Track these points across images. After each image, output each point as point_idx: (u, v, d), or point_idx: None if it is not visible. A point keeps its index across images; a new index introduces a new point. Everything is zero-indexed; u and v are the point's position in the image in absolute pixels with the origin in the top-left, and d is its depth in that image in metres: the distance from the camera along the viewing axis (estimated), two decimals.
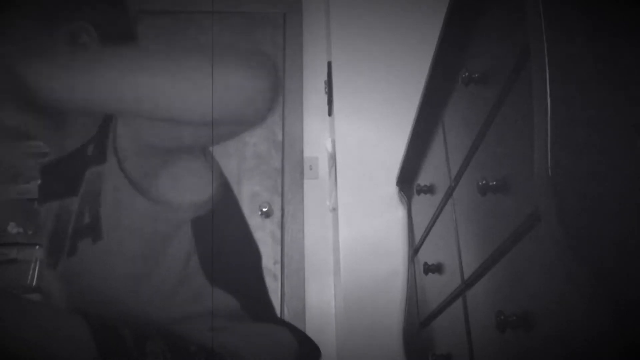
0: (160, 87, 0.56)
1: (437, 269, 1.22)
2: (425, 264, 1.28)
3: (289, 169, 2.29)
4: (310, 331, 1.96)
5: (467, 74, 0.91)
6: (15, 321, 0.54)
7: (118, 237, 0.71)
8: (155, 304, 0.73)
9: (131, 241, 0.72)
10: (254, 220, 2.22)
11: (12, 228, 1.91)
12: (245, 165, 2.33)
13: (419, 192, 1.40)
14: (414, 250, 1.57)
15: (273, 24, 2.62)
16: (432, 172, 1.35)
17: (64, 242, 0.75)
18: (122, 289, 0.72)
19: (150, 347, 0.66)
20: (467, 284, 0.97)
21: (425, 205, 1.41)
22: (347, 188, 1.84)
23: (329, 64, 2.12)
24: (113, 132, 0.74)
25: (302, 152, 2.31)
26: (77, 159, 0.78)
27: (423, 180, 1.45)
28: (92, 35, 0.75)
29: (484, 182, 0.79)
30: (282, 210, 2.26)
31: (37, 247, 1.83)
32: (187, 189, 0.75)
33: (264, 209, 2.22)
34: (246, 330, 0.78)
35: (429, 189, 1.34)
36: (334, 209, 1.95)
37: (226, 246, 0.81)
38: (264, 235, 2.22)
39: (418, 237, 1.51)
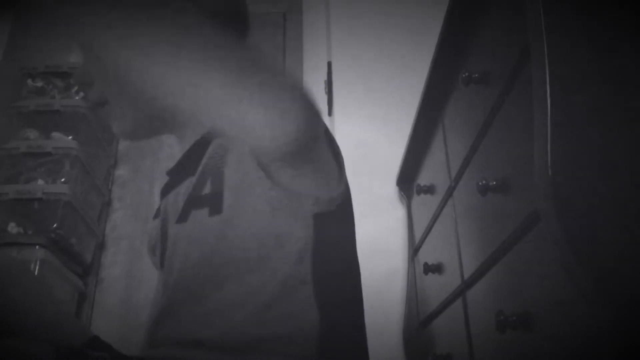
0: None
1: (437, 269, 1.22)
2: (425, 264, 1.28)
3: None
4: None
5: (467, 74, 0.91)
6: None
7: (238, 215, 0.64)
8: (247, 308, 0.63)
9: (250, 224, 0.64)
10: None
11: (12, 228, 1.91)
12: None
13: (419, 192, 1.40)
14: (414, 250, 1.57)
15: (273, 24, 2.62)
16: (432, 172, 1.35)
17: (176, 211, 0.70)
18: (222, 274, 0.64)
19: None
20: (467, 284, 0.97)
21: (425, 205, 1.41)
22: None
23: (329, 64, 2.12)
24: None
25: None
26: (200, 144, 0.74)
27: (423, 180, 1.45)
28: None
29: (484, 182, 0.79)
30: None
31: (37, 247, 1.83)
32: (315, 181, 0.67)
33: None
34: None
35: (429, 189, 1.34)
36: None
37: (339, 259, 0.74)
38: None
39: (418, 237, 1.51)
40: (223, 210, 0.65)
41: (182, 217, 0.68)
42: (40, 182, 2.01)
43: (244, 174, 0.65)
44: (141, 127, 0.78)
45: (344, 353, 0.67)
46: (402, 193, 1.76)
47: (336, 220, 0.70)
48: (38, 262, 1.80)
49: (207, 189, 0.67)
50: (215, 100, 0.52)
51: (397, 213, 1.79)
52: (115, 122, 0.77)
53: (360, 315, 0.78)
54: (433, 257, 1.29)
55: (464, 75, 0.91)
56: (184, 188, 0.73)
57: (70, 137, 2.13)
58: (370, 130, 1.91)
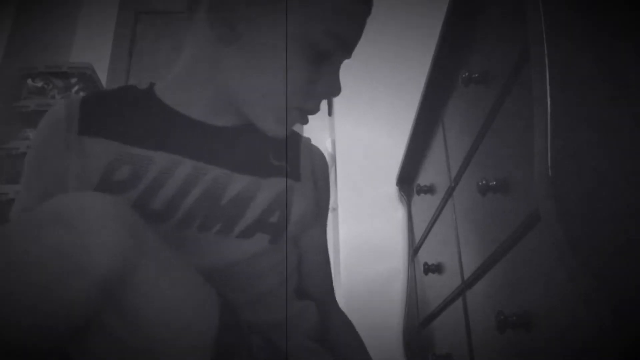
0: None
1: (437, 269, 1.22)
2: (425, 264, 1.28)
3: None
4: None
5: (467, 74, 0.91)
6: (151, 270, 0.47)
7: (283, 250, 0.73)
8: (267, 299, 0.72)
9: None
10: None
11: None
12: None
13: (419, 192, 1.40)
14: (414, 250, 1.57)
15: None
16: (432, 172, 1.35)
17: (233, 217, 0.69)
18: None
19: (255, 340, 0.64)
20: (467, 284, 0.97)
21: (425, 205, 1.41)
22: (347, 188, 1.84)
23: None
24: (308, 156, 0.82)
25: None
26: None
27: (423, 180, 1.45)
28: None
29: (484, 182, 0.79)
30: None
31: None
32: None
33: None
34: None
35: (429, 189, 1.34)
36: (334, 209, 1.95)
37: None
38: None
39: (418, 237, 1.51)
40: (279, 243, 0.71)
41: (247, 234, 0.68)
42: None
43: (302, 217, 0.73)
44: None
45: None
46: (402, 193, 1.76)
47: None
48: None
49: (274, 218, 0.70)
50: None
51: (397, 213, 1.79)
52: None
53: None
54: (433, 257, 1.29)
55: (464, 75, 0.91)
56: (241, 187, 0.70)
57: None
58: (370, 130, 1.91)
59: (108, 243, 0.43)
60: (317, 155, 0.86)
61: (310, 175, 0.80)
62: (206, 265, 0.64)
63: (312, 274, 0.82)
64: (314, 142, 0.92)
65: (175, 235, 0.64)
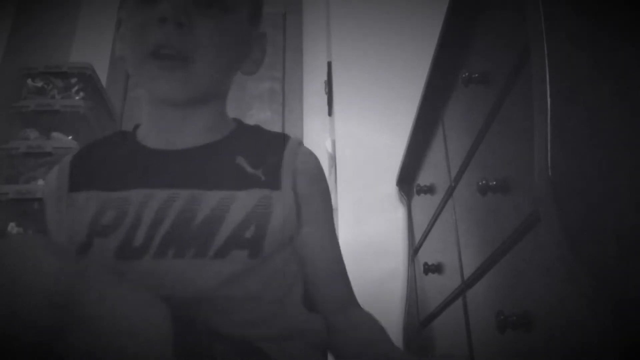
0: None
1: (437, 269, 1.22)
2: (425, 264, 1.28)
3: None
4: None
5: (467, 74, 0.91)
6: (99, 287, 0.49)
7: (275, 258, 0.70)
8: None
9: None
10: None
11: (12, 228, 1.91)
12: None
13: (419, 192, 1.40)
14: (414, 250, 1.57)
15: (273, 24, 2.62)
16: (432, 172, 1.35)
17: (205, 238, 0.68)
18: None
19: (220, 348, 0.60)
20: (467, 284, 0.97)
21: (425, 205, 1.41)
22: (347, 188, 1.84)
23: (329, 64, 2.12)
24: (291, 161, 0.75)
25: None
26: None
27: (423, 180, 1.45)
28: (265, 46, 0.81)
29: (484, 182, 0.79)
30: None
31: None
32: None
33: None
34: None
35: (429, 189, 1.34)
36: (334, 209, 1.95)
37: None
38: None
39: (418, 237, 1.51)
40: (263, 253, 0.67)
41: (221, 253, 0.66)
42: (40, 182, 2.01)
43: (283, 228, 0.70)
44: (195, 100, 0.73)
45: None
46: (402, 193, 1.76)
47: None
48: None
49: (249, 233, 0.67)
50: None
51: (397, 213, 1.79)
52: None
53: None
54: (433, 257, 1.29)
55: (464, 75, 0.91)
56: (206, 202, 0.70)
57: (70, 137, 2.13)
58: (370, 130, 1.91)
59: (50, 268, 0.46)
60: (303, 157, 0.78)
61: (290, 181, 0.74)
62: (188, 295, 0.64)
63: (320, 281, 0.78)
64: (313, 142, 0.91)
65: (152, 268, 0.65)
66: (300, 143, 0.80)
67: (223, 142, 0.75)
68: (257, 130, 0.82)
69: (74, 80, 2.20)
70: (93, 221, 0.68)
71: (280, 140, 0.79)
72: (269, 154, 0.75)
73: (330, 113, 2.12)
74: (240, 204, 0.68)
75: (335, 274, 0.79)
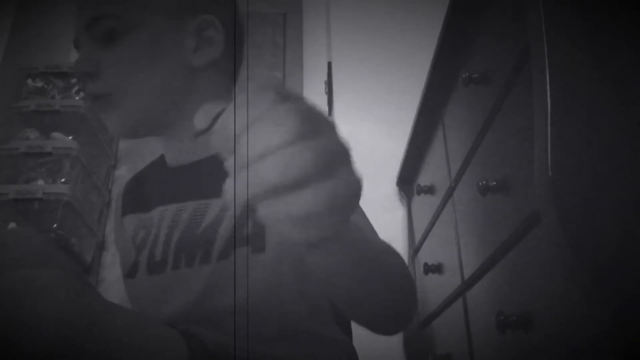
0: None
1: (437, 269, 1.22)
2: (425, 264, 1.28)
3: None
4: None
5: (467, 74, 0.91)
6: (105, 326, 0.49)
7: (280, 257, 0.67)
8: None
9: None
10: None
11: (12, 228, 1.91)
12: None
13: (419, 192, 1.40)
14: (414, 250, 1.57)
15: (273, 24, 2.62)
16: (432, 172, 1.35)
17: (208, 244, 0.69)
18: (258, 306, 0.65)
19: None
20: (467, 284, 0.97)
21: (425, 205, 1.41)
22: None
23: (329, 64, 2.12)
24: None
25: None
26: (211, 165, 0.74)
27: (423, 180, 1.45)
28: (218, 28, 0.74)
29: (484, 182, 0.79)
30: None
31: None
32: None
33: None
34: None
35: (429, 189, 1.34)
36: None
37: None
38: None
39: (418, 237, 1.51)
40: (265, 249, 0.66)
41: (225, 254, 0.67)
42: (40, 182, 2.01)
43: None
44: (141, 126, 0.75)
45: None
46: (402, 193, 1.76)
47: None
48: None
49: (248, 230, 0.67)
50: None
51: (397, 213, 1.79)
52: (113, 117, 0.73)
53: None
54: (433, 257, 1.29)
55: (464, 75, 0.91)
56: (204, 210, 0.71)
57: (70, 137, 2.13)
58: (370, 130, 1.91)
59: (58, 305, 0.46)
60: None
61: None
62: (190, 300, 0.66)
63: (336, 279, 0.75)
64: None
65: (169, 279, 0.68)
66: None
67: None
68: None
69: (74, 80, 2.20)
70: (133, 241, 0.76)
71: None
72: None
73: (330, 113, 2.12)
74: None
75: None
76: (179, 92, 0.74)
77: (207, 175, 0.73)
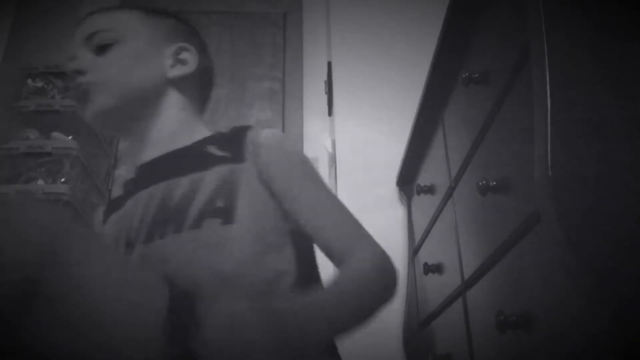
0: None
1: (437, 269, 1.22)
2: (425, 264, 1.28)
3: None
4: None
5: (467, 74, 0.91)
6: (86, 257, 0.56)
7: (248, 226, 0.75)
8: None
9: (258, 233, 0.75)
10: None
11: None
12: None
13: (419, 192, 1.40)
14: (414, 250, 1.57)
15: (273, 24, 2.62)
16: (432, 172, 1.35)
17: (181, 215, 0.76)
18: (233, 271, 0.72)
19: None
20: (467, 284, 0.97)
21: (425, 205, 1.41)
22: (347, 188, 1.84)
23: (329, 64, 2.12)
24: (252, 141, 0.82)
25: None
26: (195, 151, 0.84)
27: (423, 180, 1.45)
28: (192, 52, 0.89)
29: (484, 182, 0.79)
30: None
31: None
32: None
33: None
34: None
35: (429, 189, 1.34)
36: None
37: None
38: None
39: (418, 237, 1.51)
40: (234, 221, 0.74)
41: (196, 224, 0.75)
42: (40, 182, 2.01)
43: (253, 195, 0.78)
44: (110, 121, 0.85)
45: None
46: (402, 193, 1.76)
47: None
48: None
49: (221, 202, 0.75)
50: None
51: (397, 213, 1.79)
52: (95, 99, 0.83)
53: None
54: (433, 257, 1.29)
55: (464, 75, 0.91)
56: (178, 188, 0.79)
57: (70, 137, 2.13)
58: (370, 130, 1.91)
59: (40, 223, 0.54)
60: (265, 133, 0.84)
61: (253, 152, 0.81)
62: (170, 268, 0.72)
63: (321, 237, 0.83)
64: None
65: (142, 251, 0.76)
66: (265, 128, 0.88)
67: (197, 142, 0.85)
68: (232, 129, 0.88)
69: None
70: (115, 240, 0.82)
71: (241, 129, 0.86)
72: (236, 139, 0.83)
73: (330, 113, 2.12)
74: (209, 179, 0.77)
75: (331, 228, 0.86)
76: (151, 96, 0.85)
77: (173, 163, 0.83)
